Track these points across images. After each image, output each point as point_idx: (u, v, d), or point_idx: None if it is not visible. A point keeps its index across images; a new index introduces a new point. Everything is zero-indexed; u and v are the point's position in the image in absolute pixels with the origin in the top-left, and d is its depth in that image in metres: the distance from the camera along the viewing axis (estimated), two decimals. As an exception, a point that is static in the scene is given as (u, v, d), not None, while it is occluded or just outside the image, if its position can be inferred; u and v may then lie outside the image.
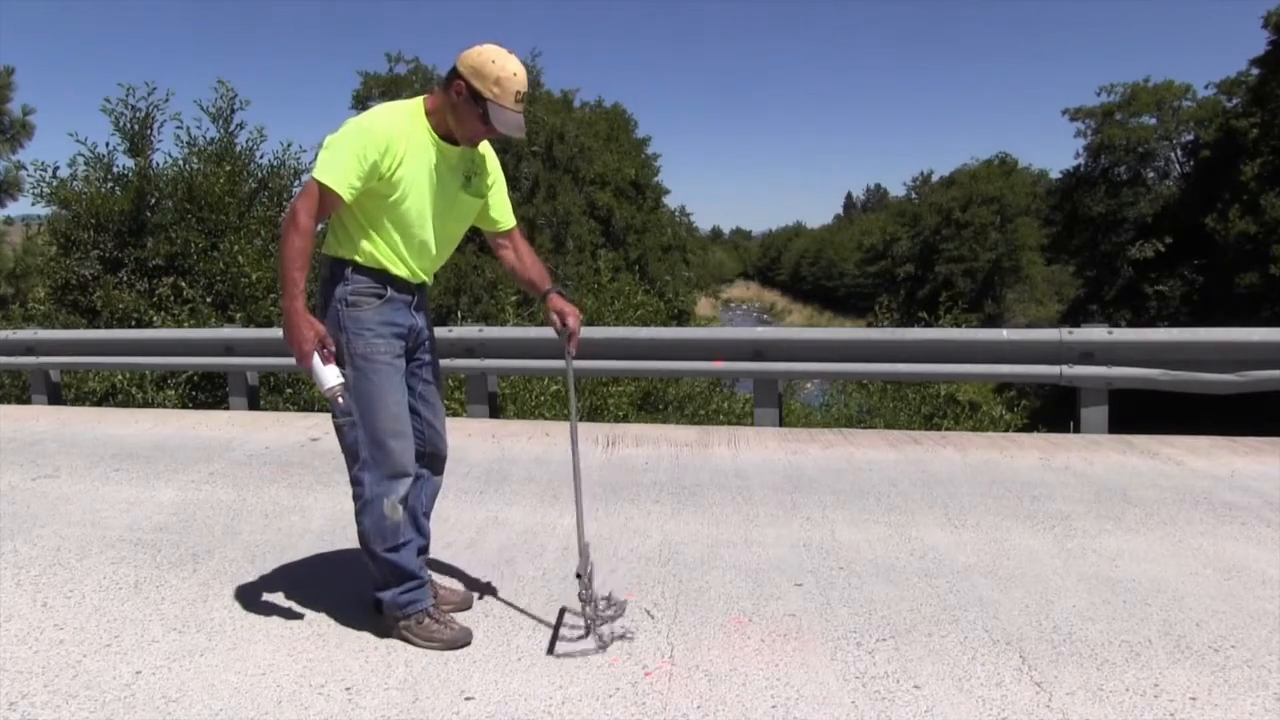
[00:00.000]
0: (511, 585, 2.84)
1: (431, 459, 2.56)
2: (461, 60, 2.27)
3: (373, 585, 2.47)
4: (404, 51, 36.30)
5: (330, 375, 2.27)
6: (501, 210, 2.57)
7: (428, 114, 2.33)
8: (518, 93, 2.27)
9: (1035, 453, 4.57)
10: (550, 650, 2.39)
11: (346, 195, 2.22)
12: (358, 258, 2.33)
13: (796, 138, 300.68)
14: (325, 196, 2.21)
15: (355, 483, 2.39)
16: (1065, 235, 32.51)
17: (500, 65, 2.25)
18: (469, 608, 2.67)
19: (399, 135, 2.26)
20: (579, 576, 2.46)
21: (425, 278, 2.45)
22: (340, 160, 2.20)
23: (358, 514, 2.40)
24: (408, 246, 2.36)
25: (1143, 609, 2.59)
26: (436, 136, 2.33)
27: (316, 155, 2.26)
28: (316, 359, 2.25)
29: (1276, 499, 3.67)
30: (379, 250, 2.33)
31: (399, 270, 2.36)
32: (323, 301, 2.37)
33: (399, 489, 2.37)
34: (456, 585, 2.80)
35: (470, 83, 2.24)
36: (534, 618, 2.59)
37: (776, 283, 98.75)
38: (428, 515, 2.58)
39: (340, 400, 2.29)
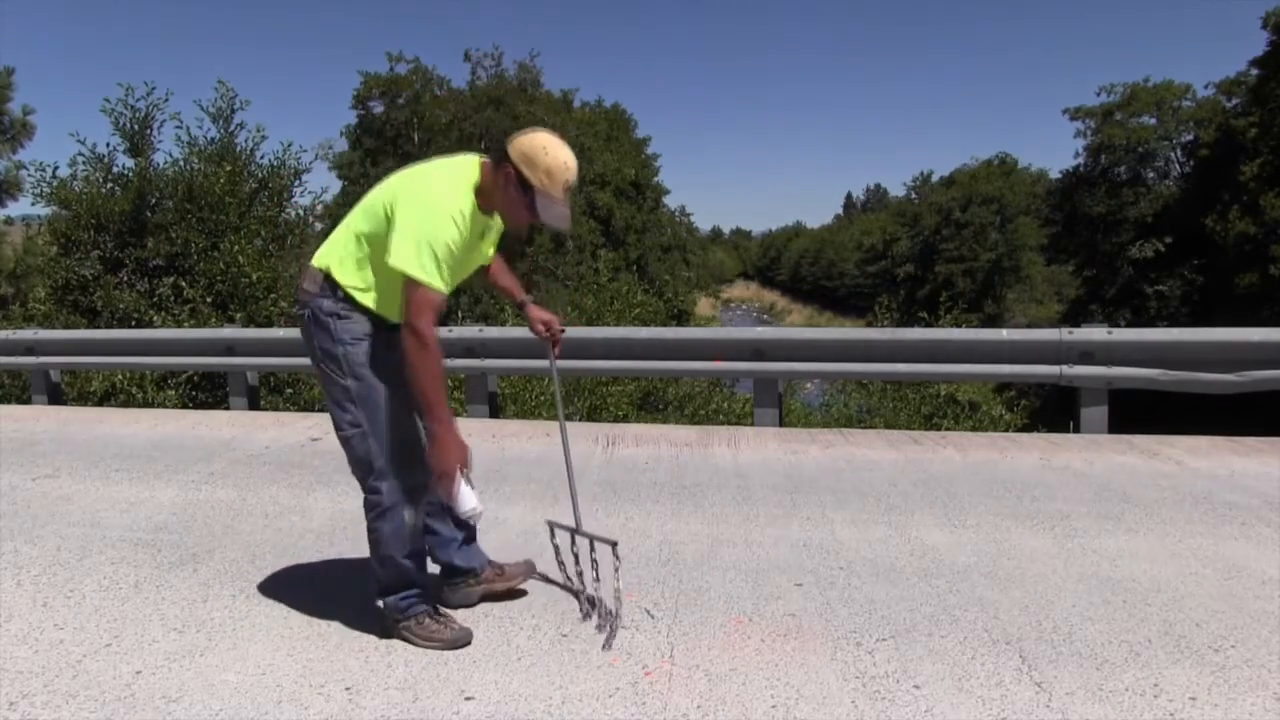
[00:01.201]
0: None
1: None
2: (513, 144, 2.26)
3: (375, 588, 2.45)
4: (404, 51, 36.27)
5: (471, 497, 2.29)
6: (493, 250, 2.60)
7: (477, 189, 2.30)
8: (566, 183, 2.26)
9: (1035, 453, 4.57)
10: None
11: (448, 291, 2.21)
12: (356, 296, 2.30)
13: (796, 138, 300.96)
14: (435, 295, 2.17)
15: (372, 491, 2.34)
16: (1065, 235, 32.54)
17: (552, 155, 2.24)
18: (534, 574, 2.77)
19: (467, 219, 2.25)
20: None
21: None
22: (436, 259, 2.16)
23: (374, 520, 2.35)
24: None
25: (1143, 609, 2.59)
26: (479, 209, 2.31)
27: (398, 239, 2.16)
28: (460, 479, 2.26)
29: (1276, 499, 3.67)
30: (380, 297, 2.31)
31: (389, 317, 2.32)
32: (305, 308, 2.35)
33: (420, 495, 2.36)
34: (517, 557, 2.83)
35: (520, 169, 2.23)
36: (534, 617, 2.59)
37: (776, 283, 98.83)
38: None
39: (476, 523, 2.32)
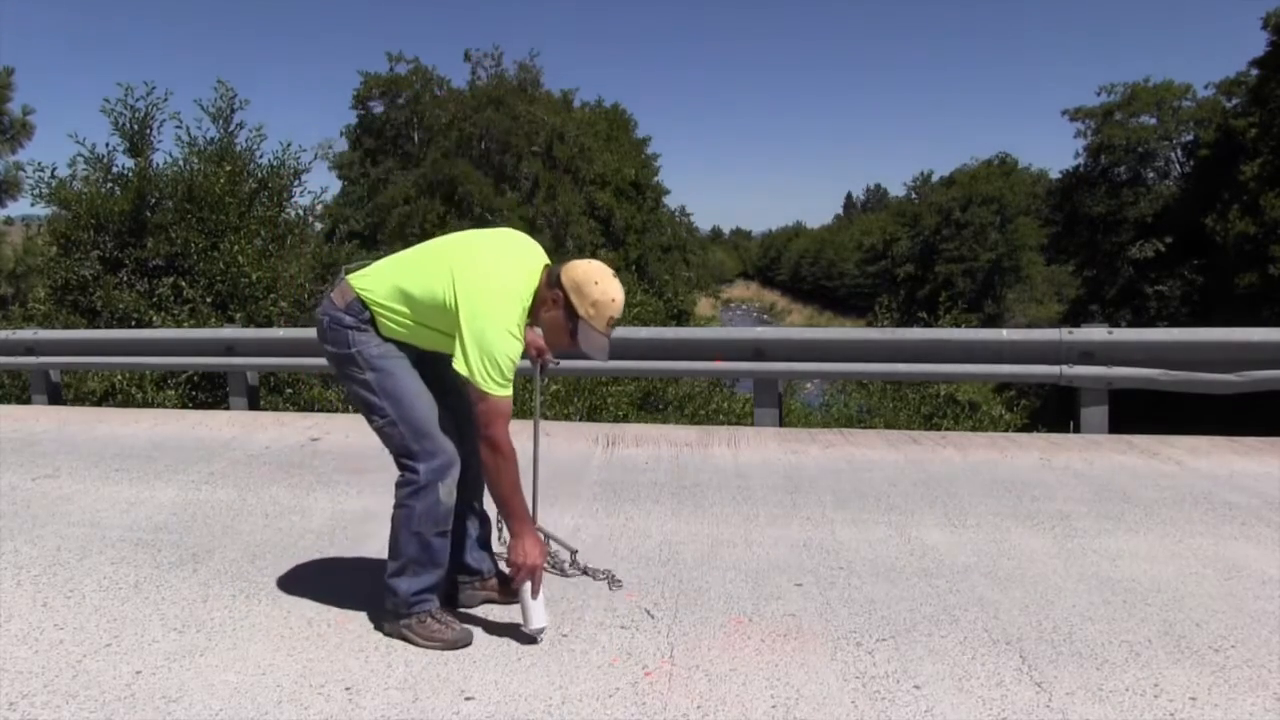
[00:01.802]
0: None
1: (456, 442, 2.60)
2: (566, 270, 2.32)
3: (392, 568, 2.43)
4: (404, 51, 36.27)
5: (541, 615, 2.40)
6: None
7: (533, 295, 2.34)
8: (611, 319, 2.33)
9: (1035, 453, 4.57)
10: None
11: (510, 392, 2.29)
12: (387, 335, 2.39)
13: (796, 138, 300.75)
14: (505, 403, 2.26)
15: (408, 470, 2.39)
16: (1065, 235, 32.51)
17: (602, 289, 2.30)
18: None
19: (521, 326, 2.32)
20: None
21: None
22: (500, 370, 2.24)
23: (407, 497, 2.38)
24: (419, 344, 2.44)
25: (1143, 609, 2.59)
26: (527, 313, 2.35)
27: (466, 347, 2.23)
28: (529, 586, 2.37)
29: (1276, 499, 3.67)
30: (412, 341, 2.40)
31: (421, 346, 2.43)
32: (329, 318, 2.42)
33: (452, 473, 2.40)
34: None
35: (569, 296, 2.30)
36: (534, 618, 2.59)
37: (776, 283, 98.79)
38: (481, 498, 2.63)
39: (539, 641, 2.42)
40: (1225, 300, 21.20)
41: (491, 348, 2.22)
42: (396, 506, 2.41)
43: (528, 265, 2.36)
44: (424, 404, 2.39)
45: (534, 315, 2.37)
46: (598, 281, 2.30)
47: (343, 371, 2.44)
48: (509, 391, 2.27)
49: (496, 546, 2.72)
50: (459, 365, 2.25)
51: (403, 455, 2.39)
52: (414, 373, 2.41)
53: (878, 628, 2.49)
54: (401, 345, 2.41)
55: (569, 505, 3.74)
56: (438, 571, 2.45)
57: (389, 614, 2.47)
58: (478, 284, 2.27)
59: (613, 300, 2.31)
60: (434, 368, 2.45)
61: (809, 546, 3.18)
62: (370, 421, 2.42)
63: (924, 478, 4.10)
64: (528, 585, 2.38)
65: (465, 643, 2.41)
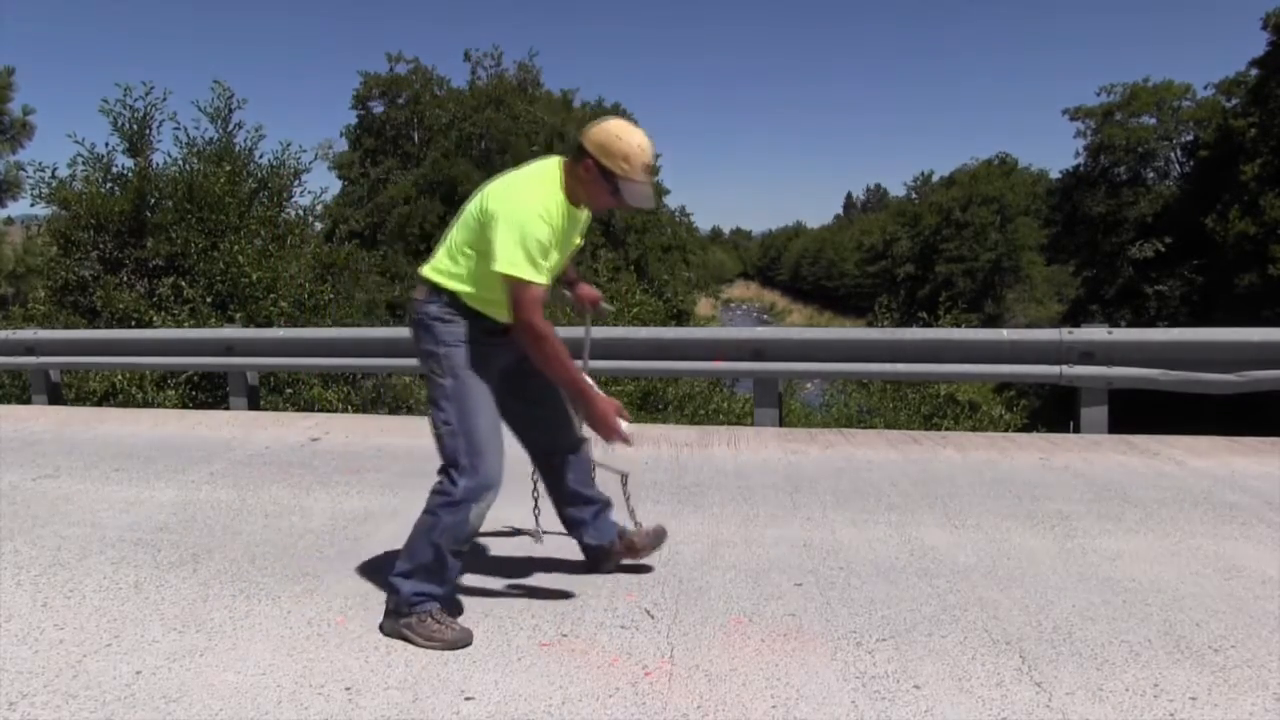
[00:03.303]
0: (511, 585, 2.85)
1: (550, 450, 2.75)
2: (586, 137, 2.38)
3: (401, 569, 2.46)
4: (404, 51, 36.28)
5: (626, 429, 2.49)
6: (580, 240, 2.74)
7: (563, 186, 2.42)
8: (645, 165, 2.37)
9: (1035, 453, 4.57)
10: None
11: (547, 283, 2.36)
12: (467, 300, 2.44)
13: (796, 138, 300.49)
14: (537, 290, 2.33)
15: (448, 479, 2.42)
16: (1065, 235, 32.53)
17: (626, 141, 2.35)
18: (662, 540, 2.92)
19: (555, 215, 2.38)
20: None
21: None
22: (533, 255, 2.30)
23: (438, 507, 2.41)
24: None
25: (1143, 609, 2.59)
26: (569, 204, 2.44)
27: (496, 246, 2.30)
28: (622, 424, 2.46)
29: (1276, 499, 3.67)
30: (484, 298, 2.44)
31: (495, 317, 2.46)
32: (416, 316, 2.49)
33: (488, 499, 2.43)
34: (646, 526, 2.94)
35: (599, 160, 2.35)
36: (534, 618, 2.59)
37: (776, 283, 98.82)
38: (589, 484, 2.81)
39: (630, 443, 2.51)
40: (1225, 300, 21.21)
41: (523, 235, 2.28)
42: (425, 512, 2.44)
43: (547, 163, 2.47)
44: (487, 423, 2.43)
45: (574, 198, 2.44)
46: (619, 136, 2.35)
47: (426, 367, 2.50)
48: (541, 279, 2.33)
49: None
50: (495, 263, 2.29)
51: (450, 464, 2.42)
52: (489, 392, 2.46)
53: (878, 628, 2.49)
54: (486, 343, 2.45)
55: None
56: (444, 585, 2.47)
57: (389, 613, 2.47)
58: (505, 195, 2.38)
59: (640, 147, 2.36)
60: (526, 378, 2.57)
61: (809, 546, 3.18)
62: (434, 427, 2.46)
63: (924, 478, 4.10)
64: (623, 426, 2.46)
65: (465, 643, 2.41)
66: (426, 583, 2.43)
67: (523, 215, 2.30)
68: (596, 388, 2.48)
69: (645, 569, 2.96)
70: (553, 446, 2.74)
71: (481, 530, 3.41)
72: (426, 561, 2.42)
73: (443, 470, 2.44)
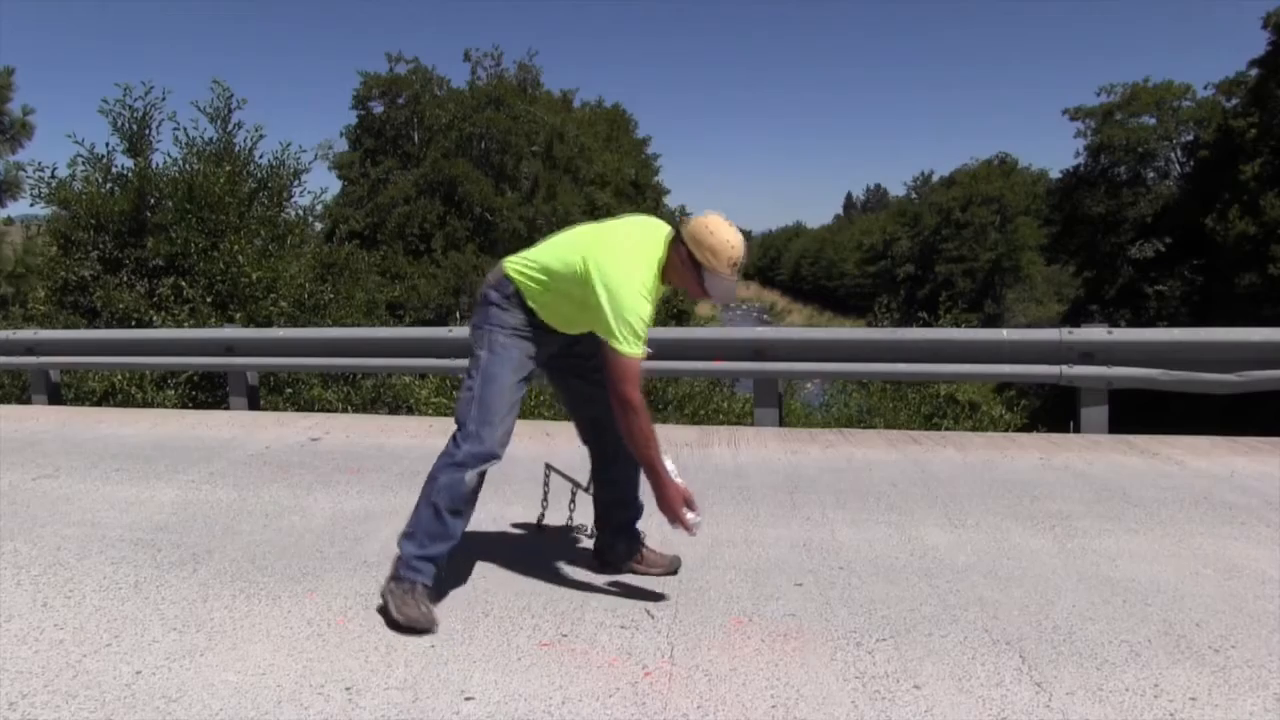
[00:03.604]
0: (511, 585, 2.84)
1: (599, 428, 2.79)
2: (685, 226, 2.52)
3: (405, 528, 2.60)
4: (404, 51, 36.28)
5: (693, 518, 2.58)
6: None
7: (661, 263, 2.54)
8: (731, 260, 2.47)
9: (1035, 453, 4.57)
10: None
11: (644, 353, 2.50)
12: (533, 308, 2.59)
13: (796, 138, 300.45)
14: (637, 362, 2.47)
15: (453, 441, 2.57)
16: (1065, 235, 32.51)
17: (717, 236, 2.45)
18: (675, 572, 2.89)
19: (652, 290, 2.51)
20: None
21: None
22: (635, 329, 2.44)
23: (441, 467, 2.56)
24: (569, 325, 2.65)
25: (1143, 609, 2.59)
26: (659, 278, 2.56)
27: (602, 314, 2.44)
28: (689, 514, 2.57)
29: (1276, 499, 3.67)
30: (548, 312, 2.60)
31: (552, 325, 2.63)
32: (482, 293, 2.68)
33: (485, 466, 2.56)
34: (664, 551, 2.96)
35: (690, 249, 2.47)
36: (534, 618, 2.59)
37: (776, 283, 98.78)
38: (632, 481, 2.85)
39: (692, 533, 2.62)
40: (1225, 300, 21.20)
41: (623, 308, 2.42)
42: (430, 474, 2.59)
43: (654, 236, 2.57)
44: (505, 399, 2.57)
45: (667, 277, 2.57)
46: (712, 230, 2.46)
47: (472, 338, 2.66)
48: (640, 351, 2.46)
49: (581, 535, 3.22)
50: (598, 328, 2.47)
51: (459, 424, 2.58)
52: (517, 373, 2.60)
53: (878, 628, 2.49)
54: (533, 338, 2.61)
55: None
56: (443, 544, 2.57)
57: (390, 575, 2.60)
58: (610, 255, 2.48)
59: (729, 243, 2.45)
60: (585, 359, 2.70)
61: (809, 546, 3.18)
62: (462, 390, 2.63)
63: (924, 478, 4.10)
64: (689, 517, 2.57)
65: (424, 628, 2.47)
66: (425, 545, 2.55)
67: (627, 293, 2.43)
68: (675, 473, 2.59)
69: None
70: (602, 426, 2.78)
71: (481, 530, 3.42)
72: (425, 521, 2.55)
73: (453, 434, 2.59)
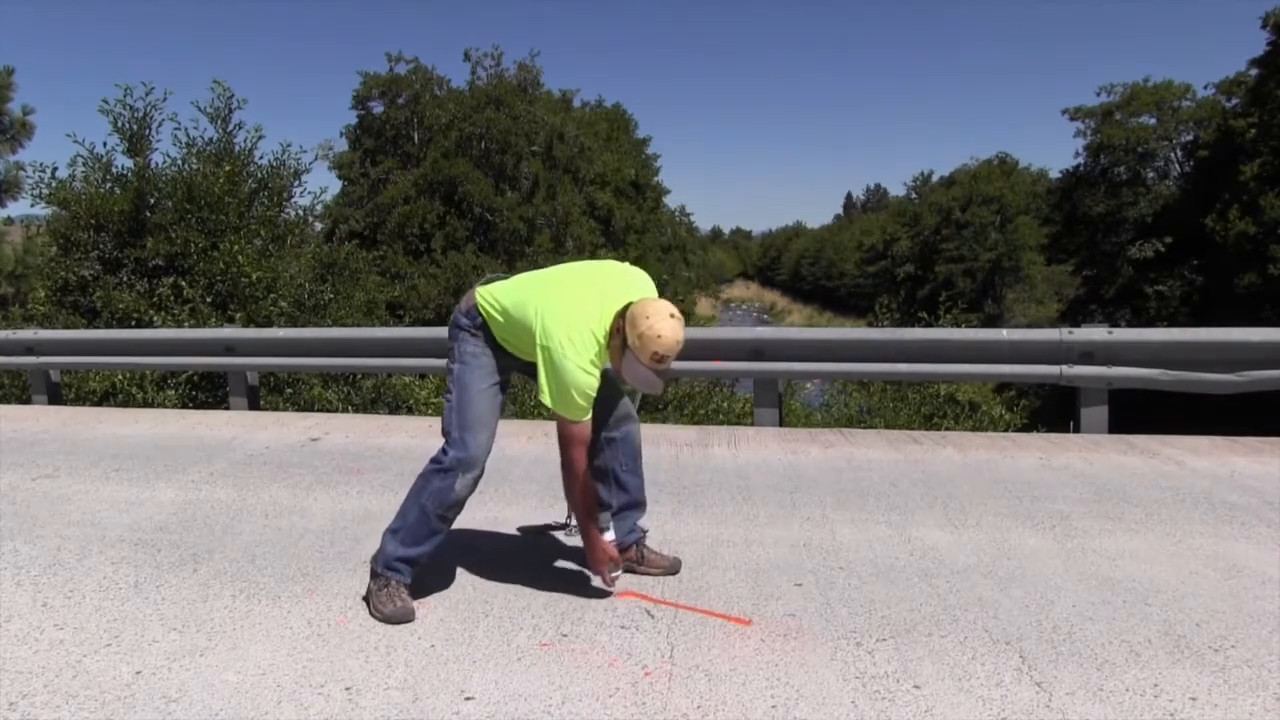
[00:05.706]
0: (511, 585, 2.84)
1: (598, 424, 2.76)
2: (634, 304, 2.49)
3: (391, 524, 2.67)
4: (404, 51, 36.29)
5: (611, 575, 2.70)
6: None
7: (610, 333, 2.51)
8: (654, 353, 2.42)
9: (1035, 453, 4.57)
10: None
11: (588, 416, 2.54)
12: (497, 337, 2.65)
13: (796, 138, 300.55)
14: (583, 427, 2.54)
15: (443, 450, 2.63)
16: (1065, 235, 32.50)
17: (650, 324, 2.41)
18: (675, 572, 2.91)
19: (597, 363, 2.51)
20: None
21: None
22: (579, 400, 2.47)
23: (430, 472, 2.63)
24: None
25: (1143, 609, 2.59)
26: (605, 348, 2.53)
27: (547, 383, 2.48)
28: (611, 573, 2.69)
29: (1276, 499, 3.67)
30: (511, 342, 2.64)
31: (518, 355, 2.67)
32: (454, 317, 2.75)
33: (472, 473, 2.61)
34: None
35: (625, 325, 2.46)
36: (534, 618, 2.60)
37: (776, 283, 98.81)
38: (631, 472, 2.85)
39: (609, 589, 2.73)
40: (1225, 300, 21.20)
41: (567, 383, 2.45)
42: (419, 476, 2.65)
43: (606, 305, 2.51)
44: (482, 404, 2.64)
45: (611, 347, 2.53)
46: (648, 316, 2.42)
47: (448, 356, 2.74)
48: (586, 418, 2.53)
49: (564, 536, 3.27)
50: (541, 395, 2.51)
51: (445, 434, 2.65)
52: (489, 378, 2.66)
53: (878, 628, 2.49)
54: (503, 354, 2.67)
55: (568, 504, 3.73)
56: (426, 547, 2.63)
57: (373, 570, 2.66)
58: (557, 324, 2.47)
59: (658, 336, 2.39)
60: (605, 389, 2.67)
61: (809, 546, 3.18)
62: (444, 399, 2.72)
63: (924, 478, 4.10)
64: (610, 574, 2.69)
65: (401, 620, 2.54)
66: (408, 546, 2.61)
67: (570, 367, 2.44)
68: (609, 531, 2.73)
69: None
70: (601, 421, 2.76)
71: (481, 530, 3.43)
72: (411, 522, 2.62)
73: (442, 444, 2.65)
